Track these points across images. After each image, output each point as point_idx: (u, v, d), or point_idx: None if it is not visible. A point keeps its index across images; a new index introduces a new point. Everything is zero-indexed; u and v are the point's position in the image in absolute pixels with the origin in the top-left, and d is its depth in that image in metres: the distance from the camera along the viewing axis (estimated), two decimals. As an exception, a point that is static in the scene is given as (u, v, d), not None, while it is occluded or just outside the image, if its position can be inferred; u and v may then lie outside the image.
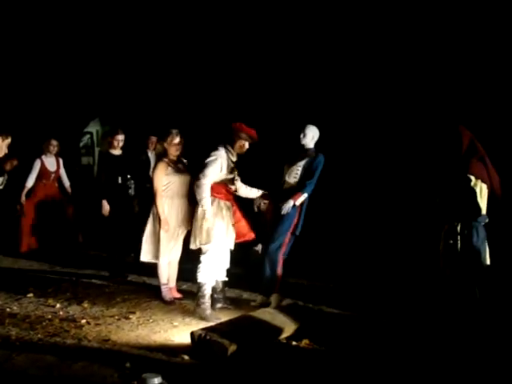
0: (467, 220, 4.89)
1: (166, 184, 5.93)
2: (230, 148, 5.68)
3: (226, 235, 5.65)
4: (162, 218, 5.86)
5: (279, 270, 5.98)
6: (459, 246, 4.86)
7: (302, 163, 5.98)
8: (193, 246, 5.68)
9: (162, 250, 5.95)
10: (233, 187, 5.80)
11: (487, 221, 4.98)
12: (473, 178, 4.90)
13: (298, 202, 5.89)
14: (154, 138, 8.17)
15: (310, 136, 6.02)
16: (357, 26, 9.49)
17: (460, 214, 4.93)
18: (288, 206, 5.83)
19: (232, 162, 5.71)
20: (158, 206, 5.88)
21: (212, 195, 5.55)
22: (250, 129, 5.72)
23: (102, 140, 12.74)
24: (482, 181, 4.93)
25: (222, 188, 5.67)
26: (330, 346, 4.76)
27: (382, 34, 9.24)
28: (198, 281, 5.58)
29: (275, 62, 10.28)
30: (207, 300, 5.56)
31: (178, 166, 6.02)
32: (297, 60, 10.13)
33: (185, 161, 6.19)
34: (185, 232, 6.06)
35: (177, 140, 5.97)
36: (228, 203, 5.73)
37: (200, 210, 5.52)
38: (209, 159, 5.56)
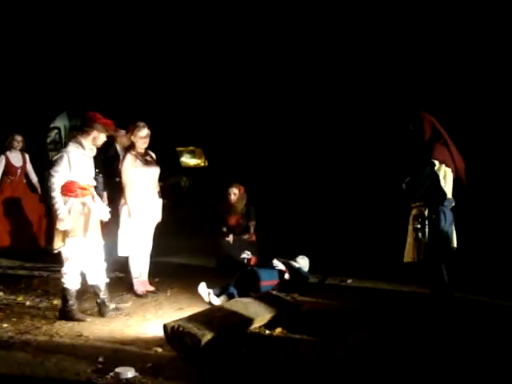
0: (434, 204, 4.95)
1: (135, 177, 5.88)
2: (81, 141, 5.13)
3: (88, 234, 5.15)
4: (131, 211, 5.82)
5: None
6: (427, 230, 4.91)
7: None
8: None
9: (133, 244, 5.92)
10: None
11: (453, 204, 5.05)
12: (436, 162, 4.95)
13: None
14: (122, 132, 8.05)
15: None
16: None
17: (426, 198, 4.98)
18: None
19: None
20: (128, 199, 5.83)
21: (65, 194, 5.05)
22: (106, 119, 5.22)
23: (70, 134, 12.58)
24: (446, 165, 4.98)
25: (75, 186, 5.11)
26: (303, 334, 4.79)
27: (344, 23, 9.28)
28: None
29: (253, 61, 10.28)
30: (70, 304, 5.22)
31: (146, 159, 5.98)
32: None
33: (152, 153, 6.14)
34: (154, 225, 6.03)
35: (144, 133, 5.93)
36: (84, 200, 5.16)
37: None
38: (55, 157, 5.10)
